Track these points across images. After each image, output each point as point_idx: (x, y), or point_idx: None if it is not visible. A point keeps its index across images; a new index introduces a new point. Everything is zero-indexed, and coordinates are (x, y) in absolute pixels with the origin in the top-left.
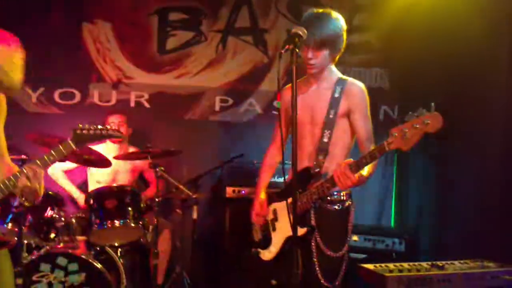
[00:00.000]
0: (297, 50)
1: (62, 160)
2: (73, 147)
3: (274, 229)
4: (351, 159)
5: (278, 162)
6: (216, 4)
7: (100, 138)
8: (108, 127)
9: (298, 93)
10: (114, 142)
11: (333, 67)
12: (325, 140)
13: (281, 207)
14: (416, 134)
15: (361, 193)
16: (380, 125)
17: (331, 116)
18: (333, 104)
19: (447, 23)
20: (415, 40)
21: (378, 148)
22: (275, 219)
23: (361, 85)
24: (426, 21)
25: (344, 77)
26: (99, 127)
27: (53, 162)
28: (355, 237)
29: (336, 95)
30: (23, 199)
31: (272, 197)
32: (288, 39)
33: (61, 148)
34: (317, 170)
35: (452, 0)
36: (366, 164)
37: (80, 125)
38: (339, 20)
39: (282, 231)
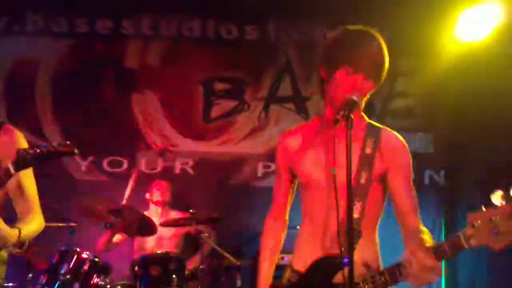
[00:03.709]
0: (351, 117)
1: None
2: (12, 171)
3: None
4: (428, 243)
5: (283, 239)
6: (259, 73)
7: (47, 157)
8: (60, 143)
9: (307, 145)
10: (157, 206)
11: None
12: (356, 215)
13: None
14: None
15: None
16: (425, 190)
17: (362, 181)
18: (365, 163)
19: (491, 84)
20: (458, 103)
21: (452, 241)
22: None
23: (399, 136)
24: (469, 83)
25: (375, 123)
26: (46, 144)
27: None
28: None
29: (368, 150)
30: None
31: None
32: (346, 105)
33: (1, 174)
34: (346, 259)
35: (494, 62)
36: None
37: (27, 147)
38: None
39: None
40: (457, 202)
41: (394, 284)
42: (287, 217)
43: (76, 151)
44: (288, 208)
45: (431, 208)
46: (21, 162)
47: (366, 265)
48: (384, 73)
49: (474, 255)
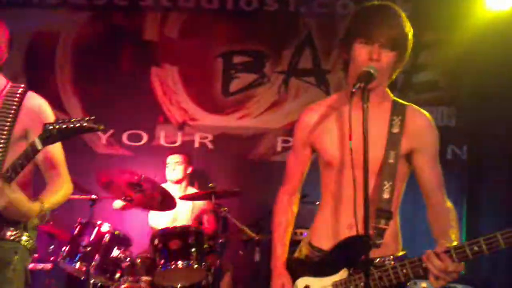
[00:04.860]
0: (367, 89)
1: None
2: (38, 147)
3: None
4: (447, 244)
5: (296, 212)
6: (279, 46)
7: (74, 132)
8: (86, 119)
9: (328, 121)
10: (174, 183)
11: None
12: (386, 196)
13: (318, 286)
14: None
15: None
16: (448, 165)
17: (391, 160)
18: (392, 142)
19: None
20: (483, 76)
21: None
22: None
23: (426, 113)
24: (495, 55)
25: (401, 101)
26: (72, 119)
27: (22, 168)
28: (423, 284)
29: (395, 129)
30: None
31: (299, 268)
32: (361, 77)
33: (28, 149)
34: (379, 241)
35: None
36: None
37: (53, 120)
38: (406, 18)
39: None
40: (480, 177)
41: (410, 277)
42: (298, 194)
43: (102, 127)
44: (301, 185)
45: (454, 183)
46: (47, 137)
47: (387, 246)
48: (408, 43)
49: None
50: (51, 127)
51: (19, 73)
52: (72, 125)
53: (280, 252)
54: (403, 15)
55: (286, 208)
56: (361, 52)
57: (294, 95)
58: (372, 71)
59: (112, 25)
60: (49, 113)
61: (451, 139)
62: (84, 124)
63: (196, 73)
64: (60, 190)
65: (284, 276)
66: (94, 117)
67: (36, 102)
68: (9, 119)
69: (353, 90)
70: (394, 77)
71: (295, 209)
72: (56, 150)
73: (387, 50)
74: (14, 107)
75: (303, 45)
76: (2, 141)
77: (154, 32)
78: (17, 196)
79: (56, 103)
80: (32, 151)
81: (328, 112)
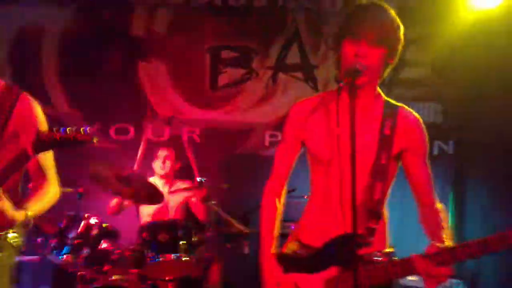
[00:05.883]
0: (355, 86)
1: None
2: (31, 155)
3: None
4: (439, 243)
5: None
6: (267, 41)
7: (67, 144)
8: (81, 129)
9: (317, 116)
10: (161, 177)
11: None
12: (376, 196)
13: (306, 282)
14: None
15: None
16: (434, 160)
17: (382, 161)
18: (384, 143)
19: (505, 53)
20: (470, 73)
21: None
22: None
23: (416, 115)
24: (482, 52)
25: (392, 101)
26: (67, 129)
27: (11, 175)
28: (411, 277)
29: (386, 131)
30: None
31: (286, 264)
32: (348, 72)
33: (19, 156)
34: (369, 240)
35: (509, 30)
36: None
37: (46, 129)
38: (395, 15)
39: None
40: (466, 173)
41: (403, 276)
42: (286, 186)
43: (95, 140)
44: (288, 177)
45: (440, 178)
46: (40, 146)
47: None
48: (397, 39)
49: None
50: (45, 136)
51: (4, 66)
52: (66, 137)
53: (269, 244)
54: (392, 12)
55: (274, 200)
56: (348, 49)
57: (282, 90)
58: (358, 66)
59: (99, 19)
60: (41, 117)
61: (437, 135)
62: (78, 137)
63: (184, 68)
64: (46, 195)
65: (276, 268)
66: (89, 127)
67: (29, 105)
68: (1, 121)
69: (340, 84)
70: (386, 74)
71: (282, 201)
72: (47, 154)
73: (374, 46)
74: (6, 110)
75: (291, 40)
76: None
77: (141, 27)
78: (1, 204)
79: (43, 97)
80: (24, 158)
81: (318, 108)
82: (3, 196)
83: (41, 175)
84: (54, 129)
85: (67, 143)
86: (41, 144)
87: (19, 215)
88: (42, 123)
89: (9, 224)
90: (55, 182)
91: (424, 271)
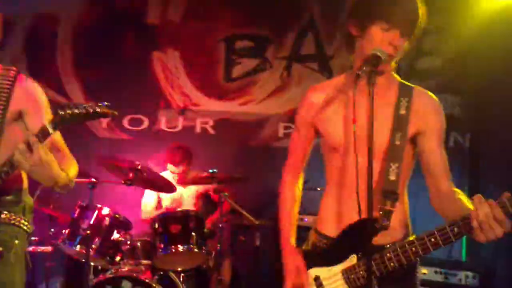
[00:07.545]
0: (374, 72)
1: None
2: (50, 131)
3: None
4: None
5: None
6: (282, 31)
7: (87, 118)
8: (99, 104)
9: (333, 102)
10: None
11: None
12: (392, 177)
13: (327, 275)
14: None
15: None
16: (449, 152)
17: (397, 142)
18: (400, 124)
19: None
20: (488, 64)
21: None
22: None
23: (433, 96)
24: (501, 43)
25: (407, 83)
26: (84, 105)
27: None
28: (424, 270)
29: (402, 111)
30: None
31: (307, 259)
32: (369, 60)
33: (38, 135)
34: (385, 223)
35: None
36: None
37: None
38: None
39: None
40: (481, 166)
41: (450, 243)
42: (303, 174)
43: (116, 113)
44: (305, 166)
45: (455, 171)
46: (59, 122)
47: (395, 230)
48: (418, 31)
49: None
50: (63, 112)
51: (19, 56)
52: (85, 111)
53: (289, 232)
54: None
55: (291, 187)
56: (382, 36)
57: (296, 81)
58: (379, 54)
59: (114, 8)
60: (42, 95)
61: (454, 127)
62: (98, 110)
63: (198, 58)
64: (71, 167)
65: (296, 256)
66: (107, 103)
67: (29, 84)
68: (3, 101)
69: (359, 72)
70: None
71: (299, 191)
72: (57, 134)
73: (406, 38)
74: (6, 89)
75: (305, 29)
76: None
77: (156, 16)
78: (50, 157)
79: (57, 87)
80: (42, 136)
81: (333, 94)
82: (49, 153)
83: (60, 154)
84: (72, 103)
85: (87, 117)
86: (61, 119)
87: (63, 175)
88: (44, 100)
89: (53, 180)
90: (73, 158)
91: (489, 215)
